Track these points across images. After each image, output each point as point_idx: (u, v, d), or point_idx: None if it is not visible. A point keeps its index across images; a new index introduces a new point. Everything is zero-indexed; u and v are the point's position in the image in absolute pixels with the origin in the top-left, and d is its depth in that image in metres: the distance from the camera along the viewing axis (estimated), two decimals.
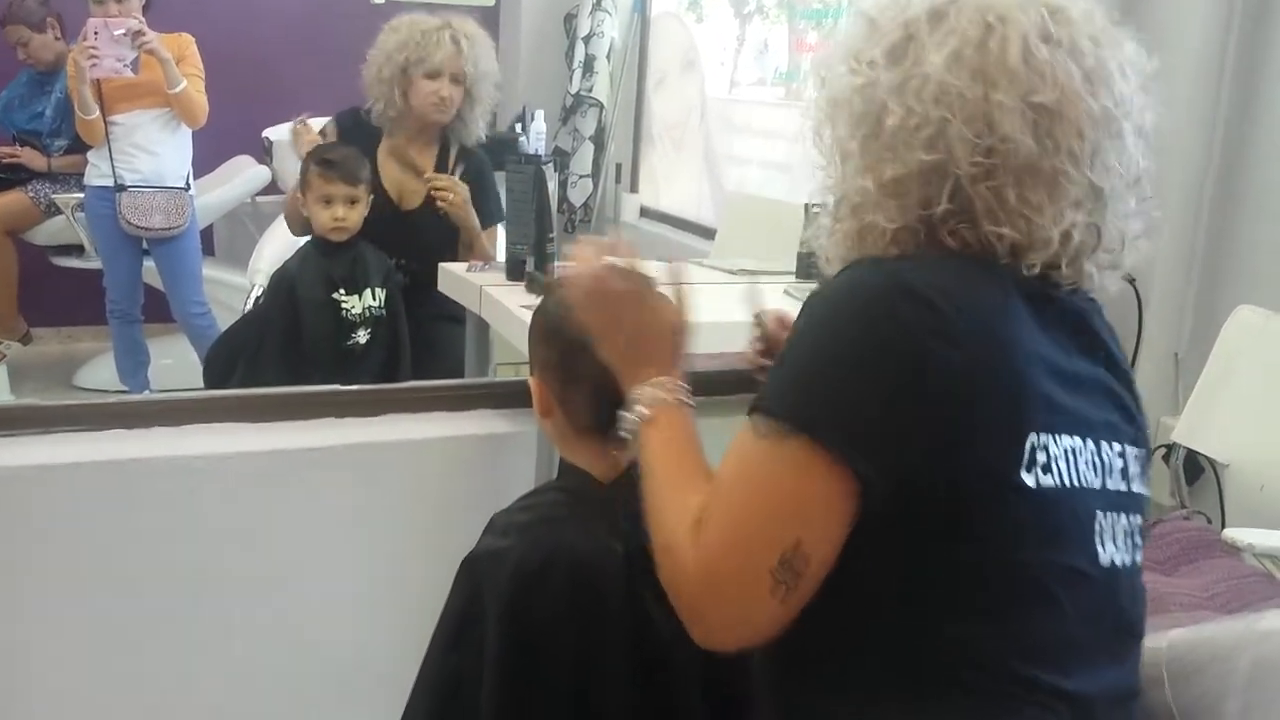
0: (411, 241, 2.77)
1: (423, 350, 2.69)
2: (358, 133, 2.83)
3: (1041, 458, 0.97)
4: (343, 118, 2.93)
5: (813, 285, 2.70)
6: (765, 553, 0.95)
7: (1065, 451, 0.99)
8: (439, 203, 2.75)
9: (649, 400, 1.15)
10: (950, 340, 0.95)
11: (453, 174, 2.86)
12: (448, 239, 2.86)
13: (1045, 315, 1.01)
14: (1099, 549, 1.02)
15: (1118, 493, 1.05)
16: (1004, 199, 1.00)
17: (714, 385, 1.84)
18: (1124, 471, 1.06)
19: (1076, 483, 1.00)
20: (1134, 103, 1.04)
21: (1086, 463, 1.01)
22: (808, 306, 1.03)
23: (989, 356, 0.96)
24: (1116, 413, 1.07)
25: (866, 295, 0.99)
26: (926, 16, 1.04)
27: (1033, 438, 0.96)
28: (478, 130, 2.91)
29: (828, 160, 1.12)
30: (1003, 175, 1.00)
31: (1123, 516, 1.05)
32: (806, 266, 2.53)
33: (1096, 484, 1.02)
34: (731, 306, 2.45)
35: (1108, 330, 1.10)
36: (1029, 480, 0.96)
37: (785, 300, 2.35)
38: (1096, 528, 1.02)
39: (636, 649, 1.22)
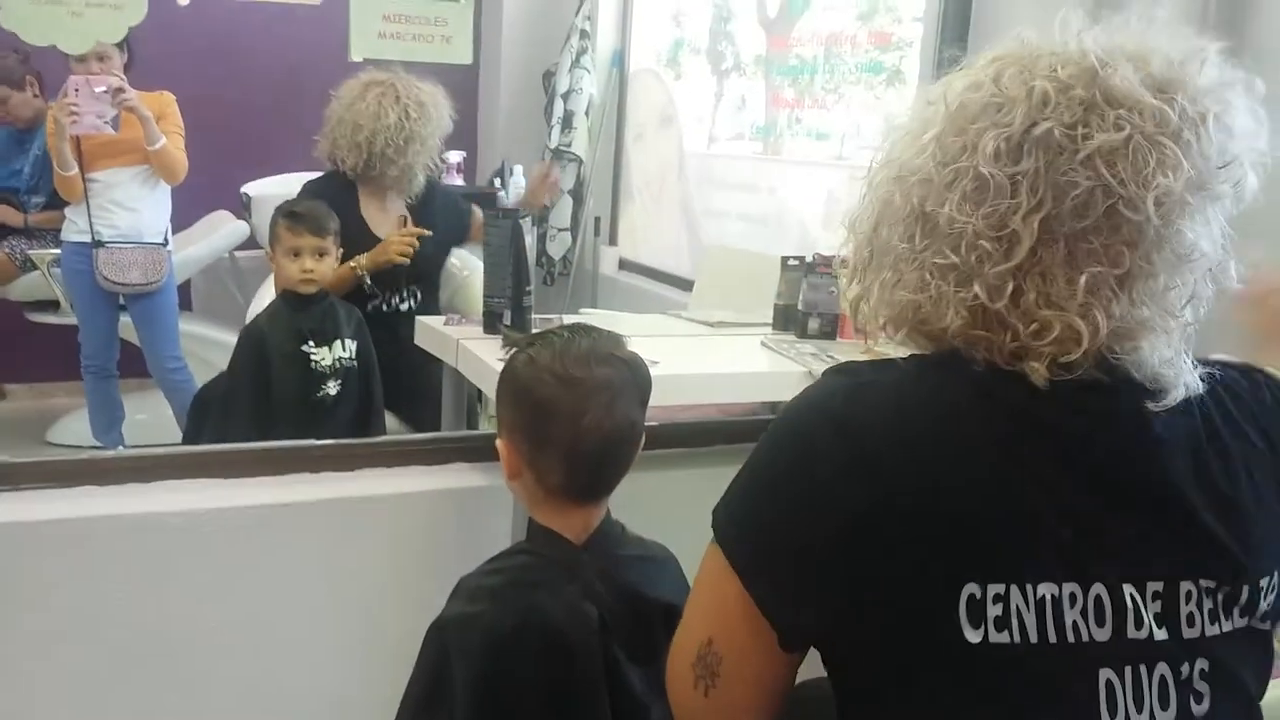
0: (417, 273, 2.95)
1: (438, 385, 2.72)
2: (335, 191, 2.86)
3: (995, 610, 0.85)
4: (315, 185, 2.98)
5: (789, 337, 2.67)
6: (689, 647, 0.98)
7: (1040, 601, 0.86)
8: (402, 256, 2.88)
9: None
10: (862, 479, 0.89)
11: (428, 202, 3.04)
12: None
13: (1033, 441, 0.90)
14: (1104, 714, 0.87)
15: (1146, 641, 0.89)
16: None
17: (687, 437, 1.84)
18: (1161, 615, 0.89)
19: (1056, 637, 0.86)
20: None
21: (1084, 611, 0.87)
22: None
23: (910, 498, 0.88)
24: (1149, 544, 0.90)
25: (794, 422, 0.97)
26: None
27: (971, 588, 0.85)
28: None
29: None
30: None
31: (1162, 667, 0.89)
32: (784, 318, 2.54)
33: (1103, 635, 0.88)
34: (709, 358, 2.46)
35: (1170, 444, 0.92)
36: (972, 637, 0.85)
37: (764, 352, 2.36)
38: (1101, 689, 0.87)
39: (612, 711, 1.20)
